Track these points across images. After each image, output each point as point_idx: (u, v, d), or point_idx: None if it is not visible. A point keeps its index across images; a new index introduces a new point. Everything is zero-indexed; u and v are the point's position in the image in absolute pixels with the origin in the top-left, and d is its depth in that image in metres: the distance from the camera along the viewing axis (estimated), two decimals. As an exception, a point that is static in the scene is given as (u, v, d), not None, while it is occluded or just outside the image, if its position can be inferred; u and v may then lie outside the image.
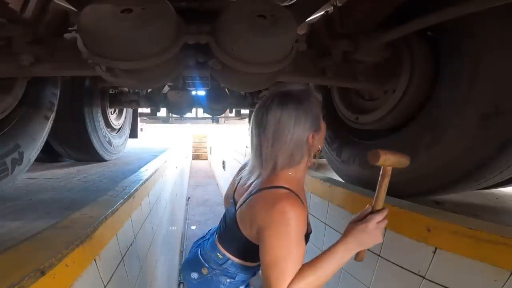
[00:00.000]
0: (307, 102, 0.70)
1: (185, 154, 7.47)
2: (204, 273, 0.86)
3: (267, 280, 0.64)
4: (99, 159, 2.66)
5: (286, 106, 0.68)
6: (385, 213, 0.69)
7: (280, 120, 0.68)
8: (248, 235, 0.75)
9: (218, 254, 0.85)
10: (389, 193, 0.74)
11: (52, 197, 1.43)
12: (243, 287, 0.90)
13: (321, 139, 0.75)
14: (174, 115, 4.98)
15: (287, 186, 0.70)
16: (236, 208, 0.80)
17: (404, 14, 1.01)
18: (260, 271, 0.90)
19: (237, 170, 0.94)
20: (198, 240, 0.99)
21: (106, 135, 2.70)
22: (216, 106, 2.59)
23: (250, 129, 0.75)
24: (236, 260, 0.84)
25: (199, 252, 0.91)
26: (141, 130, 4.92)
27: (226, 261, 0.84)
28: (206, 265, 0.87)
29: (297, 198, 0.69)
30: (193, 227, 4.98)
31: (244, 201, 0.76)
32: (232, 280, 0.85)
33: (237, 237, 0.78)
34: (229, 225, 0.84)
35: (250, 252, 0.80)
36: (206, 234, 0.99)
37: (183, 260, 0.94)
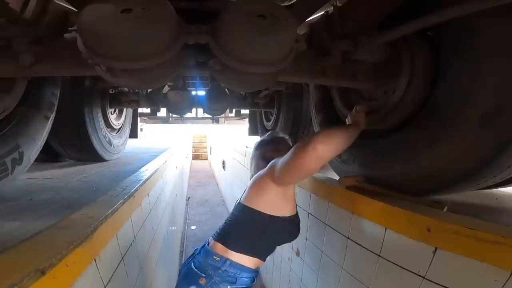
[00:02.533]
0: (270, 143, 1.23)
1: (185, 154, 7.47)
2: (202, 283, 0.85)
3: (297, 154, 0.89)
4: (99, 159, 2.66)
5: (259, 144, 1.26)
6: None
7: (255, 147, 1.25)
8: (264, 202, 0.95)
9: (215, 257, 0.86)
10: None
11: (52, 197, 1.44)
12: None
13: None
14: (174, 115, 4.98)
15: None
16: (241, 199, 1.01)
17: (404, 14, 1.01)
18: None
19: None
20: (186, 260, 0.99)
21: (106, 135, 2.70)
22: (216, 106, 2.58)
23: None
24: (236, 257, 0.85)
25: (192, 265, 0.90)
26: (141, 130, 4.92)
27: (224, 263, 0.84)
28: (203, 274, 0.85)
29: None
30: (193, 227, 4.97)
31: (249, 190, 1.00)
32: (233, 285, 0.84)
33: (253, 220, 0.93)
34: (239, 219, 0.96)
35: (265, 235, 0.94)
36: (194, 251, 1.00)
37: (177, 281, 0.96)
